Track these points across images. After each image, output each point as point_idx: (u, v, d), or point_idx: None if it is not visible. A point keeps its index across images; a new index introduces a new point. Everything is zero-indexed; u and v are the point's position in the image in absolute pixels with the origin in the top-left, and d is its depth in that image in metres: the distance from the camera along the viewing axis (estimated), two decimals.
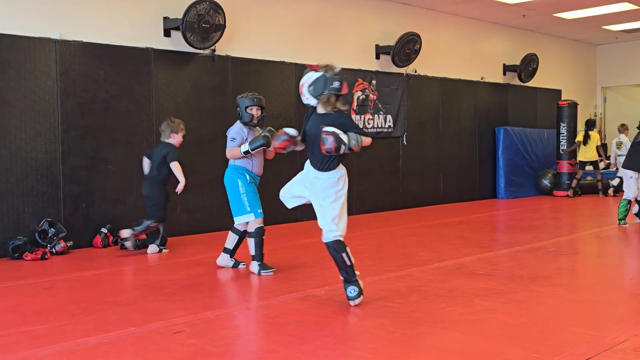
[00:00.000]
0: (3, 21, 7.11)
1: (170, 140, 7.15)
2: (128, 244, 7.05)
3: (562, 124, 13.48)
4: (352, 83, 10.59)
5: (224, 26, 8.53)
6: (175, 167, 7.02)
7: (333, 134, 4.54)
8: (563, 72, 15.65)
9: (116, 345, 3.83)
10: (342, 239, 4.63)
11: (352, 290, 4.64)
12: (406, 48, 11.06)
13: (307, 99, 4.80)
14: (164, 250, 7.19)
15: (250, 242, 5.91)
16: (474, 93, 12.97)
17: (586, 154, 13.27)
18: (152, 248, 7.12)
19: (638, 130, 9.09)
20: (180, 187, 7.11)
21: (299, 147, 5.03)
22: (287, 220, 9.66)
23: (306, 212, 10.04)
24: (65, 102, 7.49)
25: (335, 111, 4.75)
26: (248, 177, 6.02)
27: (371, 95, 10.86)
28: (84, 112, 7.65)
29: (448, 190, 12.41)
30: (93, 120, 7.72)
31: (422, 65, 11.75)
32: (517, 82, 13.98)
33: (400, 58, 11.08)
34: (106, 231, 7.64)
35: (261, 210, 6.01)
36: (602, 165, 13.98)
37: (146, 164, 7.28)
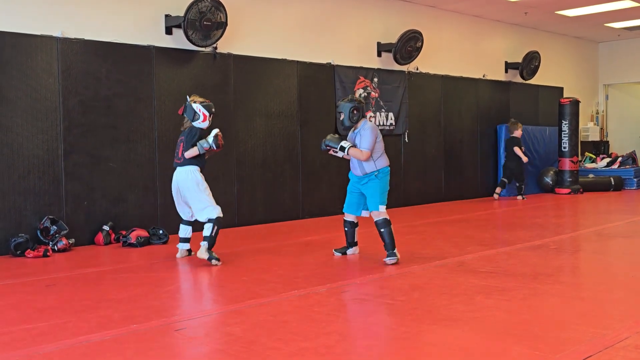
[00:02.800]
0: (4, 19, 7.12)
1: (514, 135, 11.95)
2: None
3: (564, 122, 13.46)
4: (354, 81, 10.59)
5: (226, 24, 8.53)
6: (517, 151, 11.86)
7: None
8: (565, 69, 15.62)
9: (118, 343, 3.83)
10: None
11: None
12: (408, 46, 11.05)
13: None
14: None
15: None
16: (476, 91, 12.96)
17: None
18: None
19: None
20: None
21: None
22: (289, 217, 9.67)
23: (307, 211, 10.07)
24: (67, 100, 7.50)
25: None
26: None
27: (373, 93, 10.86)
28: (85, 110, 7.65)
29: (450, 188, 12.40)
30: (95, 118, 7.73)
31: (424, 63, 11.74)
32: (519, 79, 13.97)
33: (402, 56, 11.08)
34: (108, 229, 7.64)
35: None
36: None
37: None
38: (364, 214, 6.34)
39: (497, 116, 13.43)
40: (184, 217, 6.56)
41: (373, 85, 10.88)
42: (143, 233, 7.53)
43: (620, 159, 14.91)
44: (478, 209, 11.05)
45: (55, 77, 7.41)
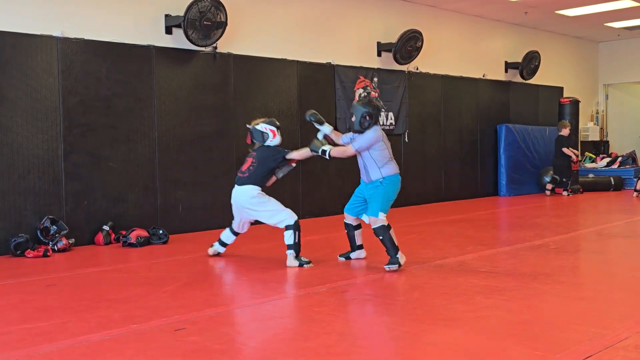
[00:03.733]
0: (4, 19, 7.12)
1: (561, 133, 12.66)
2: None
3: None
4: (354, 80, 10.59)
5: (226, 24, 8.53)
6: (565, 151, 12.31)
7: None
8: (565, 69, 15.62)
9: (118, 343, 3.83)
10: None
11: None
12: (408, 45, 11.05)
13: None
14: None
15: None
16: (476, 90, 12.96)
17: None
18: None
19: None
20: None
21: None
22: None
23: (306, 210, 10.06)
24: (66, 99, 7.50)
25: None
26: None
27: (373, 93, 10.86)
28: (85, 110, 7.65)
29: (450, 188, 12.40)
30: (95, 118, 7.72)
31: (424, 63, 11.74)
32: (519, 79, 13.96)
33: (402, 55, 11.08)
34: (108, 228, 7.64)
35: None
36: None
37: None
38: (364, 218, 6.16)
39: (497, 116, 13.43)
40: (237, 229, 6.47)
41: (373, 85, 10.87)
42: (143, 233, 7.53)
43: (620, 158, 14.92)
44: (478, 208, 11.05)
45: (55, 77, 7.41)
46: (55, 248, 7.04)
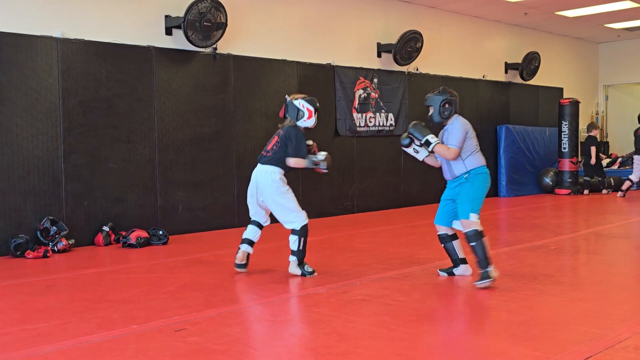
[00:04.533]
0: (5, 20, 7.12)
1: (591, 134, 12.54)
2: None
3: (564, 122, 13.46)
4: (354, 81, 10.59)
5: (226, 24, 8.53)
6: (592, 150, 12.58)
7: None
8: (565, 70, 15.63)
9: (118, 343, 3.83)
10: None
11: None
12: (408, 46, 11.05)
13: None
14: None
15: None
16: (476, 91, 12.96)
17: None
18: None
19: None
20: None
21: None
22: None
23: (307, 211, 10.04)
24: (66, 100, 7.50)
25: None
26: None
27: (373, 94, 10.86)
28: (85, 111, 7.65)
29: None
30: (95, 119, 7.73)
31: (424, 64, 11.75)
32: (519, 80, 13.97)
33: (402, 56, 11.08)
34: (108, 229, 7.64)
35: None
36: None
37: None
38: (456, 225, 5.45)
39: (497, 117, 13.43)
40: (256, 218, 5.78)
41: (373, 85, 10.87)
42: (143, 234, 7.53)
43: (620, 159, 14.92)
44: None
45: (56, 77, 7.42)
46: (55, 249, 7.04)
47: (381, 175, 11.01)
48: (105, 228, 7.64)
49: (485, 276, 5.01)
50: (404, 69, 11.40)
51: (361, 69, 10.71)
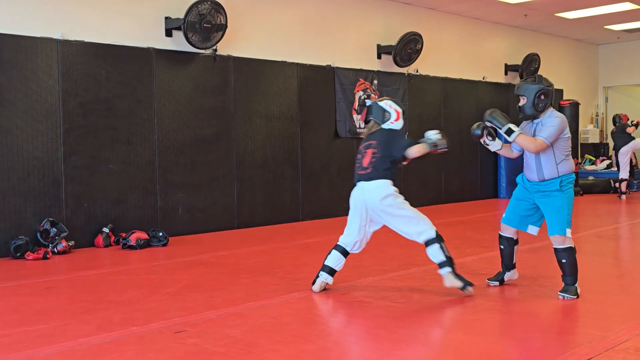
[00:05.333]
0: (5, 21, 7.12)
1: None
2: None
3: None
4: (354, 83, 10.59)
5: (226, 26, 8.54)
6: None
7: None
8: (565, 71, 15.63)
9: (118, 345, 3.83)
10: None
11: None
12: (408, 48, 11.05)
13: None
14: None
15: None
16: (476, 93, 12.96)
17: None
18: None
19: None
20: None
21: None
22: (289, 219, 9.66)
23: (307, 212, 10.06)
24: (67, 101, 7.50)
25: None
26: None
27: (372, 95, 10.85)
28: (85, 112, 7.65)
29: (449, 190, 12.40)
30: (95, 120, 7.73)
31: (424, 65, 11.75)
32: (519, 81, 13.95)
33: (402, 58, 11.08)
34: (108, 231, 7.64)
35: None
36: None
37: None
38: (531, 230, 5.06)
39: None
40: (350, 241, 5.08)
41: (373, 87, 10.88)
42: (143, 235, 7.53)
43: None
44: (478, 211, 11.04)
45: (56, 79, 7.42)
46: (55, 250, 7.04)
47: None
48: (105, 229, 7.64)
49: (573, 292, 4.76)
50: (404, 70, 11.40)
51: (361, 70, 10.71)
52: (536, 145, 4.71)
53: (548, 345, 3.69)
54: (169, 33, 8.42)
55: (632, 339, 3.78)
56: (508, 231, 5.13)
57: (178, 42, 8.47)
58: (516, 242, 5.18)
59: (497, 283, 5.23)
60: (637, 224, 9.03)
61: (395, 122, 5.08)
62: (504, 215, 5.16)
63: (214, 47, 8.73)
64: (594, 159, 15.48)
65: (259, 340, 3.88)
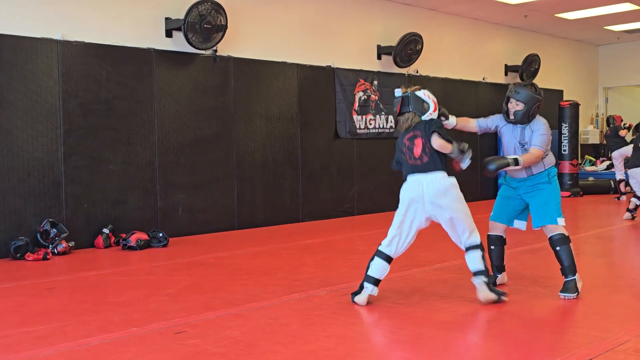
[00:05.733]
0: (5, 21, 7.12)
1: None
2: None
3: (564, 125, 13.46)
4: (354, 83, 10.59)
5: (226, 27, 8.54)
6: None
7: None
8: (565, 72, 15.63)
9: (118, 346, 3.83)
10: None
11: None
12: (408, 48, 11.05)
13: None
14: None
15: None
16: (476, 93, 12.97)
17: None
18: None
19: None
20: None
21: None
22: (289, 220, 9.66)
23: (307, 213, 10.06)
24: (67, 102, 7.50)
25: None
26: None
27: (373, 96, 10.86)
28: (85, 113, 7.65)
29: None
30: (95, 121, 7.73)
31: (424, 66, 11.75)
32: (517, 85, 13.94)
33: (402, 58, 11.08)
34: (108, 231, 7.64)
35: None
36: None
37: None
38: (518, 224, 5.20)
39: None
40: (392, 248, 4.80)
41: (373, 88, 10.88)
42: (143, 236, 7.53)
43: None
44: (478, 212, 10.98)
45: (56, 79, 7.42)
46: (55, 251, 7.04)
47: (381, 177, 11.00)
48: (105, 230, 7.63)
49: (572, 289, 4.75)
50: (404, 71, 11.40)
51: (361, 71, 10.72)
52: (537, 157, 4.93)
53: (548, 346, 3.69)
54: (169, 34, 8.42)
55: (632, 339, 3.78)
56: (497, 229, 5.23)
57: (178, 43, 8.47)
58: (504, 242, 5.27)
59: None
60: (637, 224, 9.03)
61: (433, 113, 4.82)
62: (491, 214, 5.29)
63: (214, 48, 8.73)
64: (594, 159, 15.48)
65: (259, 341, 3.88)
